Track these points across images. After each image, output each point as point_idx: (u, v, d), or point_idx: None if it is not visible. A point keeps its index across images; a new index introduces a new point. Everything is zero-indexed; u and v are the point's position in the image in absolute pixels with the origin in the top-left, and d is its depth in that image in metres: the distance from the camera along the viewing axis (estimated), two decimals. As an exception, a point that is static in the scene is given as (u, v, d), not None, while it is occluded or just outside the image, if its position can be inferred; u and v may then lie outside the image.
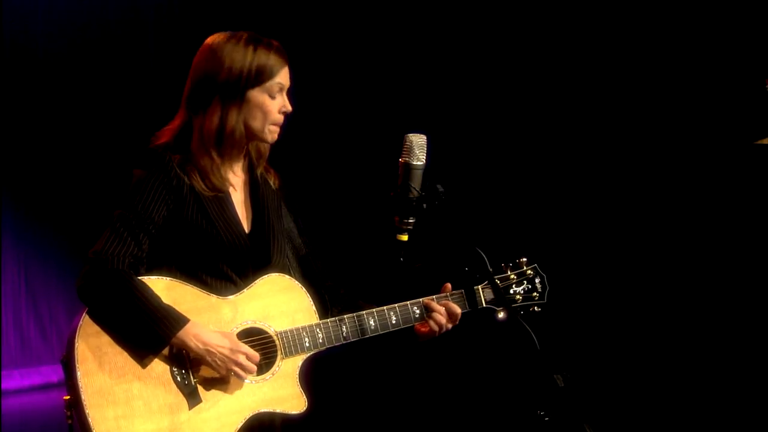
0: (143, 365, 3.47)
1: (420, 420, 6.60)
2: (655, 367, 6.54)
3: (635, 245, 6.83)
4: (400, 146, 3.55)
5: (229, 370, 3.50)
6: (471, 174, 7.19)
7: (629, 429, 6.07)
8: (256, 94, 3.58)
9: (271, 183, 3.76)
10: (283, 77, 3.60)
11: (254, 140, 3.64)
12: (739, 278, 6.40)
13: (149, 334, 3.45)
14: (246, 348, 3.52)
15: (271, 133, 3.62)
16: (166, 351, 3.48)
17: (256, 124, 3.59)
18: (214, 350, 3.48)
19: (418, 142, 3.54)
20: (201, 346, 3.48)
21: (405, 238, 3.56)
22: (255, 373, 3.55)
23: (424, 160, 3.54)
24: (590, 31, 7.01)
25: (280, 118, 3.61)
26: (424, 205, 3.53)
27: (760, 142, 5.08)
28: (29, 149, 7.93)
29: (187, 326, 3.46)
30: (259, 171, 3.72)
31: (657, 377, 6.49)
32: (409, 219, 3.55)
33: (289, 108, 3.62)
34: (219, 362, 3.49)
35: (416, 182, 3.54)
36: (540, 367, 3.29)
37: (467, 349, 6.16)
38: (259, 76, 3.56)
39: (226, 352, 3.49)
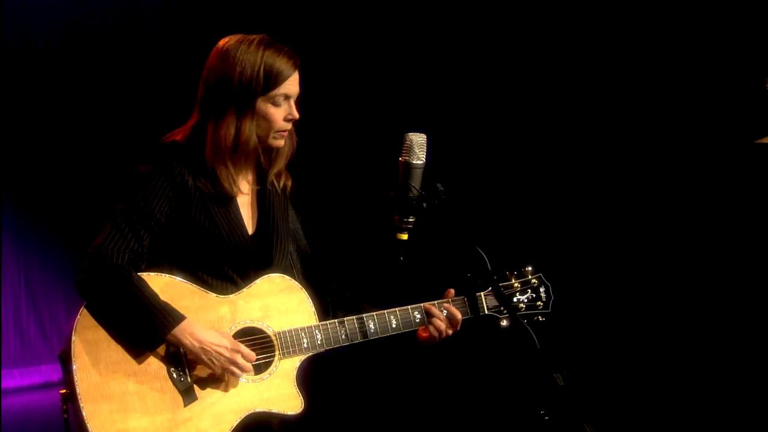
0: (139, 361, 3.47)
1: (419, 419, 6.60)
2: (655, 366, 6.54)
3: (635, 244, 6.82)
4: (400, 145, 3.56)
5: (225, 369, 3.50)
6: (471, 173, 7.19)
7: (629, 429, 6.07)
8: (262, 104, 3.59)
9: (280, 185, 3.75)
10: (288, 87, 3.60)
11: (263, 146, 3.66)
12: (739, 278, 6.40)
13: (145, 330, 3.45)
14: (242, 347, 3.53)
15: (276, 139, 3.65)
16: (162, 348, 3.48)
17: (261, 132, 3.61)
18: (209, 348, 3.48)
19: (417, 141, 3.54)
20: (196, 344, 3.47)
21: (405, 237, 3.56)
22: (252, 373, 3.56)
23: (424, 159, 3.54)
24: (591, 31, 7.01)
25: (286, 125, 3.63)
26: (424, 204, 3.53)
27: (760, 141, 5.08)
28: (29, 149, 7.92)
29: (183, 323, 3.47)
30: (270, 177, 3.72)
31: (657, 377, 6.48)
32: (409, 218, 3.55)
33: (296, 115, 3.64)
34: (214, 360, 3.49)
35: (416, 181, 3.54)
36: (540, 367, 3.29)
37: (467, 347, 6.15)
38: (266, 85, 3.57)
39: (222, 350, 3.49)
